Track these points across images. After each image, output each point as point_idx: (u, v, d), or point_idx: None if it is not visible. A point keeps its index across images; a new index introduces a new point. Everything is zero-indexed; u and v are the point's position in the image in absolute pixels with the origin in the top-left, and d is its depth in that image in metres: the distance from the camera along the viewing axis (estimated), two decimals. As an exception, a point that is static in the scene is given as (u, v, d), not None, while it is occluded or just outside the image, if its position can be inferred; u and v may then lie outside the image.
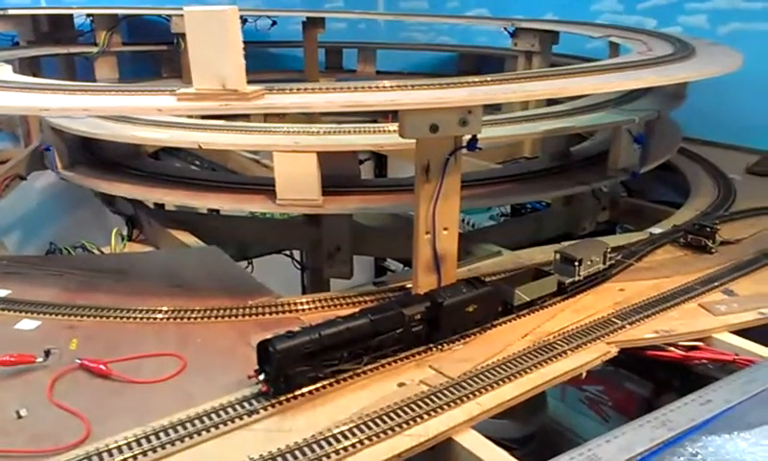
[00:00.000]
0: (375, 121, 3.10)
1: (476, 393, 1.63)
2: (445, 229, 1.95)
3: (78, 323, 1.99)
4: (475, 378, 1.69)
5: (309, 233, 2.99)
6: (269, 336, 1.60)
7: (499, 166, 3.39)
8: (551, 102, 3.81)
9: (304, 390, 1.62)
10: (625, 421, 1.59)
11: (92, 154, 3.17)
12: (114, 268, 2.41)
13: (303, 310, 2.09)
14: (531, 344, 1.85)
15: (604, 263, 2.24)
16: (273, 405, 1.57)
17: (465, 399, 1.61)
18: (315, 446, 1.44)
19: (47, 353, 1.73)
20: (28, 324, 1.98)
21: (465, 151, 1.88)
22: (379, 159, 5.44)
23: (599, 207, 3.20)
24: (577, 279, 2.14)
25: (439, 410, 1.57)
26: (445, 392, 1.63)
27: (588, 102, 3.16)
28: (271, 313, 2.07)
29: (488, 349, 1.83)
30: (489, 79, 1.91)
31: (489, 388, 1.65)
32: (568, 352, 1.81)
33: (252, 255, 3.45)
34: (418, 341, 1.81)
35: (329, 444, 1.45)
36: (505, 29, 4.41)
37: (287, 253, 3.69)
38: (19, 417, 1.55)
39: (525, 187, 2.81)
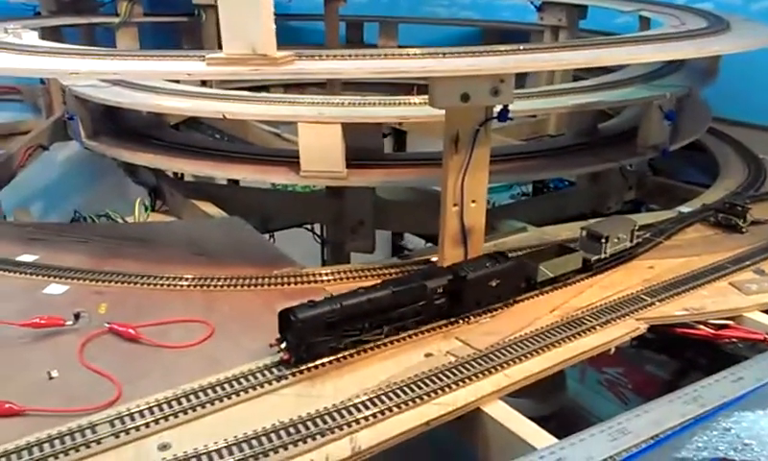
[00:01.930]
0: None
1: (504, 365, 1.62)
2: (473, 201, 1.93)
3: (105, 288, 2.00)
4: (503, 351, 1.68)
5: (332, 207, 2.98)
6: (293, 304, 1.60)
7: (524, 142, 3.34)
8: (576, 77, 3.77)
9: (326, 359, 1.62)
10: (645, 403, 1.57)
11: (115, 124, 3.18)
12: (139, 236, 2.42)
13: (328, 281, 2.09)
14: (559, 318, 1.84)
15: (631, 241, 2.20)
16: (301, 371, 1.58)
17: (493, 370, 1.60)
18: (344, 411, 1.44)
19: (77, 317, 1.74)
20: (56, 288, 1.99)
21: (495, 122, 1.84)
22: (399, 135, 5.40)
23: (626, 186, 3.16)
24: (603, 256, 2.11)
25: (467, 381, 1.56)
26: (473, 363, 1.63)
27: (616, 77, 3.10)
28: (295, 283, 2.07)
29: (515, 322, 1.82)
30: (521, 47, 1.88)
31: (517, 360, 1.64)
32: (597, 328, 1.79)
33: (274, 228, 3.45)
34: (440, 314, 1.80)
35: (358, 410, 1.45)
36: (531, 2, 4.33)
37: (308, 226, 3.69)
38: (51, 378, 1.56)
39: (551, 163, 2.78)
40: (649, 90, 2.82)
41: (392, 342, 1.72)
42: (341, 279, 2.10)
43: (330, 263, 3.72)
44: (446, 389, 1.53)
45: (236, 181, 3.61)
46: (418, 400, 1.49)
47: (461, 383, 1.55)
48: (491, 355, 1.65)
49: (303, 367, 1.59)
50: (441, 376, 1.57)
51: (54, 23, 4.34)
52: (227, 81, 3.78)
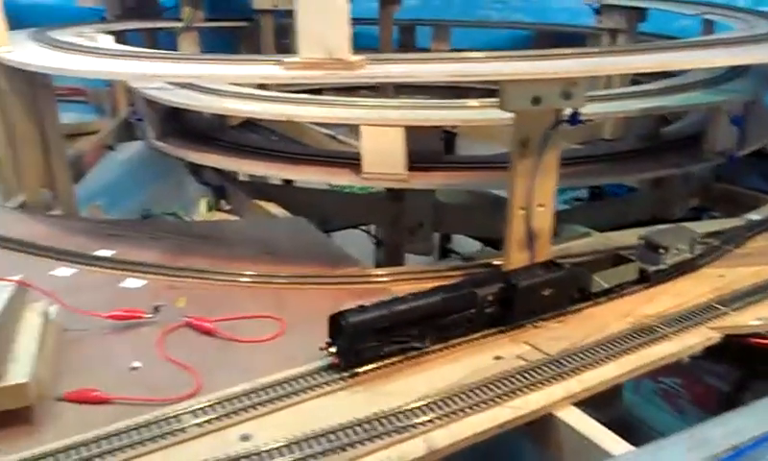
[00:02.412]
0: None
1: (576, 370, 1.62)
2: (541, 205, 1.92)
3: (180, 283, 2.07)
4: (574, 356, 1.67)
5: (390, 209, 3.00)
6: (351, 306, 1.59)
7: (581, 146, 3.30)
8: (634, 81, 3.70)
9: (395, 359, 1.63)
10: (702, 415, 1.54)
11: (179, 125, 3.27)
12: (207, 234, 2.49)
13: (393, 281, 2.11)
14: (630, 326, 1.82)
15: (691, 252, 2.12)
16: (372, 370, 1.61)
17: (565, 375, 1.60)
18: (417, 411, 1.46)
19: (156, 309, 1.81)
20: (133, 282, 2.07)
21: (565, 126, 1.84)
22: (448, 139, 5.39)
23: (689, 192, 3.09)
24: (662, 267, 2.04)
25: (539, 385, 1.56)
26: (544, 368, 1.62)
27: (677, 82, 3.04)
28: (361, 283, 2.11)
29: (585, 328, 1.81)
30: (594, 50, 1.86)
31: (589, 366, 1.63)
32: (670, 336, 1.77)
33: (331, 229, 3.49)
34: (490, 322, 1.76)
35: (431, 410, 1.46)
36: (590, 5, 4.28)
37: (363, 228, 3.73)
38: (134, 368, 1.63)
39: (613, 168, 2.74)
40: (716, 95, 2.76)
41: (459, 344, 1.73)
42: (405, 279, 2.13)
43: (385, 265, 3.75)
44: (518, 392, 1.54)
45: (291, 182, 3.68)
46: (490, 403, 1.50)
47: (533, 387, 1.55)
48: (562, 361, 1.65)
49: (373, 365, 1.61)
50: (512, 379, 1.58)
51: (119, 28, 4.50)
52: (285, 84, 3.87)
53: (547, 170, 1.87)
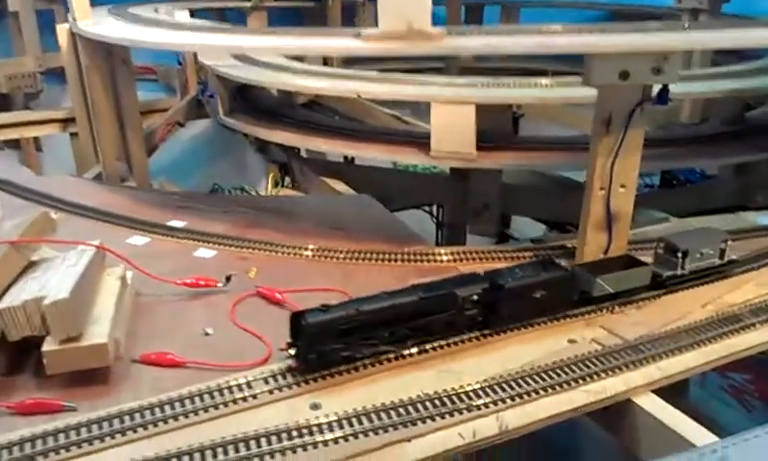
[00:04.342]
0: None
1: (656, 357, 1.55)
2: (622, 186, 1.84)
3: (250, 255, 2.10)
4: (654, 342, 1.59)
5: (456, 189, 2.95)
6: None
7: (661, 129, 3.16)
8: (714, 63, 3.51)
9: (464, 337, 1.59)
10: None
11: (247, 103, 3.31)
12: (275, 208, 2.52)
13: (460, 261, 2.08)
14: (713, 313, 1.73)
15: (721, 259, 1.90)
16: (441, 346, 1.58)
17: (644, 361, 1.53)
18: (488, 390, 1.43)
19: (228, 279, 1.83)
20: (205, 252, 2.11)
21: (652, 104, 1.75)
22: (513, 120, 5.27)
23: (775, 179, 2.91)
24: (680, 273, 1.84)
25: (616, 370, 1.50)
26: (622, 353, 1.56)
27: (761, 64, 2.87)
28: (428, 261, 2.08)
29: (664, 314, 1.73)
30: (686, 25, 1.76)
31: (670, 354, 1.56)
32: (757, 326, 1.67)
33: (394, 208, 3.47)
34: (472, 326, 1.61)
35: (503, 389, 1.43)
36: (669, -16, 4.08)
37: (426, 208, 3.69)
38: (206, 334, 1.66)
39: (695, 151, 2.61)
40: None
41: (531, 325, 1.68)
42: (473, 259, 2.09)
43: (446, 245, 3.71)
44: (594, 377, 1.48)
45: (352, 160, 3.67)
46: (565, 386, 1.45)
47: (609, 372, 1.50)
48: (640, 346, 1.58)
49: (444, 343, 1.58)
50: (587, 363, 1.52)
51: (189, 6, 4.58)
52: (350, 60, 3.86)
53: (630, 149, 1.79)
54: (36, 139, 4.94)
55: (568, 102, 2.35)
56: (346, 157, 3.58)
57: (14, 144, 4.86)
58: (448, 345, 1.59)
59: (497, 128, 2.62)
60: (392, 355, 1.53)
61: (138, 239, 2.20)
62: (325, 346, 1.45)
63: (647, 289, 1.83)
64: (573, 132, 3.34)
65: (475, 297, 1.58)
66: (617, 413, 1.47)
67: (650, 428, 1.42)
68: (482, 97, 2.42)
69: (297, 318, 1.45)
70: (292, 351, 1.46)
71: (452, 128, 2.44)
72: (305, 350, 1.45)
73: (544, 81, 2.62)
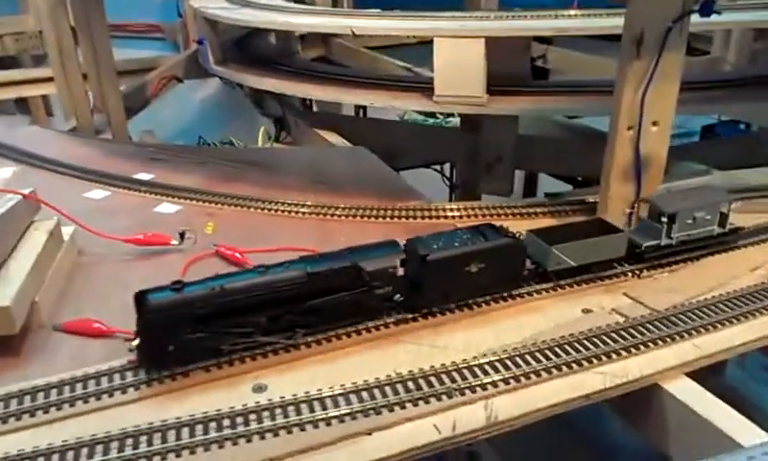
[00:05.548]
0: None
1: (692, 332, 1.24)
2: (655, 124, 1.51)
3: (218, 211, 1.83)
4: (689, 314, 1.28)
5: (466, 142, 2.64)
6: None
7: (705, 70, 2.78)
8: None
9: (452, 305, 1.31)
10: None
11: (244, 52, 3.04)
12: (259, 161, 2.25)
13: (459, 217, 1.78)
14: (763, 279, 1.40)
15: (721, 226, 1.52)
16: (425, 316, 1.30)
17: (677, 337, 1.22)
18: (477, 369, 1.15)
19: (182, 236, 1.57)
20: (168, 207, 1.86)
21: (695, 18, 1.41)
22: (538, 72, 4.87)
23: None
24: (664, 242, 1.47)
25: (641, 347, 1.20)
26: (648, 326, 1.26)
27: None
28: (422, 217, 1.79)
29: (703, 281, 1.41)
30: None
31: (710, 327, 1.25)
32: (821, 295, 1.34)
33: (401, 167, 3.17)
34: (387, 309, 1.28)
35: (495, 370, 1.14)
36: None
37: (437, 168, 3.38)
38: (149, 299, 1.40)
39: (742, 95, 2.24)
40: None
41: (538, 292, 1.39)
42: (474, 215, 1.79)
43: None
44: (613, 355, 1.18)
45: (364, 113, 3.38)
46: (574, 366, 1.16)
47: (632, 350, 1.19)
48: (672, 318, 1.27)
49: (426, 313, 1.30)
50: (604, 338, 1.22)
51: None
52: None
53: (667, 77, 1.45)
54: (46, 105, 4.78)
55: (596, 32, 2.00)
56: (353, 113, 3.31)
57: (26, 110, 4.71)
58: (432, 314, 1.30)
59: (512, 69, 2.28)
60: (279, 348, 1.19)
61: (97, 193, 1.95)
62: (177, 336, 1.12)
63: (622, 262, 1.47)
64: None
65: (390, 271, 1.25)
66: (641, 401, 1.17)
67: (683, 421, 1.12)
68: (494, 29, 2.09)
69: (141, 298, 1.12)
70: (135, 343, 1.14)
71: (458, 66, 2.12)
72: (146, 342, 1.13)
73: (569, 12, 2.27)
